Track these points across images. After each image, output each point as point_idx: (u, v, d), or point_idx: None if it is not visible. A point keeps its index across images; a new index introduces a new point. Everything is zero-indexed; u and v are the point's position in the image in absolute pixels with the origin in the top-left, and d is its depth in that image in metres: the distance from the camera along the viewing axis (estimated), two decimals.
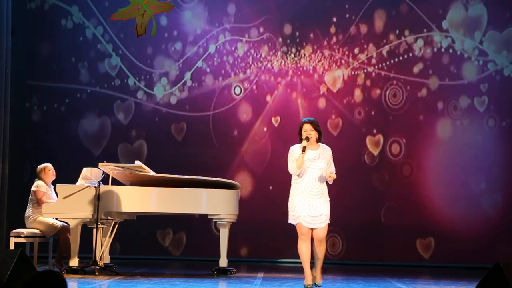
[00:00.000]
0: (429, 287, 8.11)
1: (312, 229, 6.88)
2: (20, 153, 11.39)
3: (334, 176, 6.89)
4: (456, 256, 11.13)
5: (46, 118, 11.78)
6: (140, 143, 11.69)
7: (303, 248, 6.90)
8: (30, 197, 8.80)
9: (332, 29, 11.60)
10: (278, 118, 11.60)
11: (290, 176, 6.97)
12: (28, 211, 8.75)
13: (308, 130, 6.93)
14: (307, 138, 6.88)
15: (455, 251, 11.14)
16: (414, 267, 10.94)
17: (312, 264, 7.04)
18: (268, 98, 11.66)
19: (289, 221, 6.95)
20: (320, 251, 6.92)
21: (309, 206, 6.82)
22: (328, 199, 6.93)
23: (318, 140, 6.97)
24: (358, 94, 11.52)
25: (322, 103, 11.54)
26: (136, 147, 11.65)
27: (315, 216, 6.82)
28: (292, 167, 6.90)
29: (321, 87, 11.56)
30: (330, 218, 6.93)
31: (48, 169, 8.88)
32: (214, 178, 8.77)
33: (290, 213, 6.92)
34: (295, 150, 6.92)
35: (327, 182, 6.96)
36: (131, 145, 11.69)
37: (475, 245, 11.09)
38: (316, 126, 6.94)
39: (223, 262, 8.79)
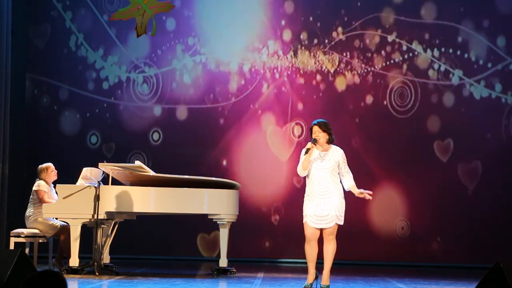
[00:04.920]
0: (429, 287, 8.11)
1: (320, 230, 6.88)
2: (20, 153, 11.39)
3: (364, 192, 6.88)
4: (456, 256, 11.13)
5: (47, 118, 11.78)
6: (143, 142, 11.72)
7: (307, 249, 6.90)
8: (31, 196, 8.79)
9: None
10: (281, 118, 11.59)
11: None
12: (29, 211, 8.74)
13: (316, 132, 6.95)
14: (314, 140, 6.90)
15: (455, 251, 11.14)
16: (414, 267, 10.93)
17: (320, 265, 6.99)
18: (272, 98, 11.65)
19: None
20: (328, 250, 6.90)
21: (317, 205, 6.83)
22: (340, 199, 6.89)
23: (330, 142, 6.98)
24: None
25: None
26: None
27: (322, 216, 6.82)
28: (298, 168, 6.96)
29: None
30: (343, 219, 6.91)
31: (50, 169, 8.86)
32: (214, 178, 8.76)
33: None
34: (304, 152, 6.93)
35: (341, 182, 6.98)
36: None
37: (475, 245, 11.09)
38: (324, 128, 6.94)
39: (223, 262, 8.79)
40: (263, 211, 11.40)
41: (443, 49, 11.41)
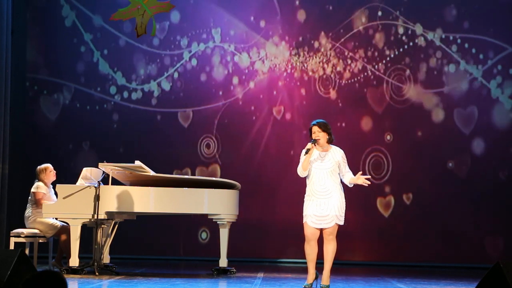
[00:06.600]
0: (429, 287, 8.11)
1: (320, 230, 6.89)
2: (20, 153, 11.39)
3: (360, 177, 6.88)
4: (456, 256, 11.13)
5: (46, 118, 11.78)
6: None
7: (307, 249, 6.91)
8: (29, 197, 8.79)
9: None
10: (281, 118, 11.60)
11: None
12: (28, 212, 8.74)
13: (316, 132, 6.95)
14: (314, 140, 6.91)
15: (455, 251, 11.14)
16: (414, 267, 10.94)
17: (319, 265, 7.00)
18: (272, 95, 11.66)
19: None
20: (328, 250, 6.89)
21: (317, 206, 6.84)
22: (341, 199, 6.89)
23: (330, 142, 6.99)
24: None
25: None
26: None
27: (322, 216, 6.82)
28: (298, 169, 6.97)
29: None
30: (344, 219, 6.91)
31: (49, 170, 8.86)
32: (214, 178, 8.78)
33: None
34: (304, 153, 6.93)
35: (343, 183, 6.99)
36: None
37: (475, 245, 11.09)
38: (324, 128, 6.95)
39: (223, 262, 8.79)
40: (264, 211, 11.40)
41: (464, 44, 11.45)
